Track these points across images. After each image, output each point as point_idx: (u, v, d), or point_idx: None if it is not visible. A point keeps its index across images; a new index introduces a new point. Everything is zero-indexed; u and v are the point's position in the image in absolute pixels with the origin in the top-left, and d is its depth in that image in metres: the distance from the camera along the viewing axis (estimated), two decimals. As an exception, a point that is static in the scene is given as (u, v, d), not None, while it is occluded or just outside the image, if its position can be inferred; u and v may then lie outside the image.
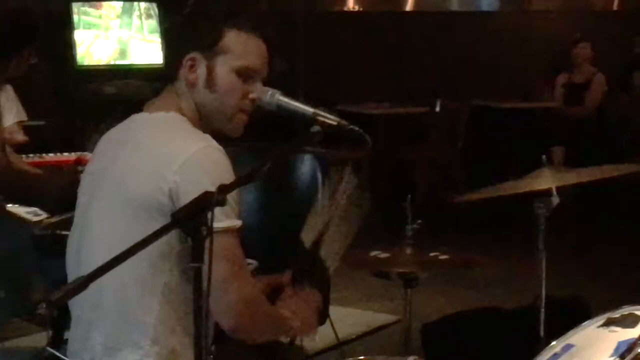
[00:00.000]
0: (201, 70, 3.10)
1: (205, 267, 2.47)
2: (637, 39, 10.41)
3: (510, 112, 10.47)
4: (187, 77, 3.12)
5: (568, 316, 3.48)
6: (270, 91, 3.09)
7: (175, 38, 3.28)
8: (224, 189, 2.56)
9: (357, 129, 3.05)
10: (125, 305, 3.04)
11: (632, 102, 10.26)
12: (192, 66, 3.10)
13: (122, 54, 9.00)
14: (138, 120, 3.18)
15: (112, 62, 8.98)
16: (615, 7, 11.57)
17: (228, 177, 2.87)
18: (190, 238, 2.48)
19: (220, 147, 3.01)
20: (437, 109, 9.81)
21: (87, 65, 8.80)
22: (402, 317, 6.29)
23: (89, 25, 8.86)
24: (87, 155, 6.07)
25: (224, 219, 2.85)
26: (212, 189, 2.49)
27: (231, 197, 2.83)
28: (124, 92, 8.52)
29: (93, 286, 2.48)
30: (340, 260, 3.84)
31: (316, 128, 2.98)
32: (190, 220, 2.48)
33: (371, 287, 6.19)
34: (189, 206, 2.51)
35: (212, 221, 2.48)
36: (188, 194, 2.70)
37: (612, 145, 9.28)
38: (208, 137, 3.05)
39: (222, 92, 3.12)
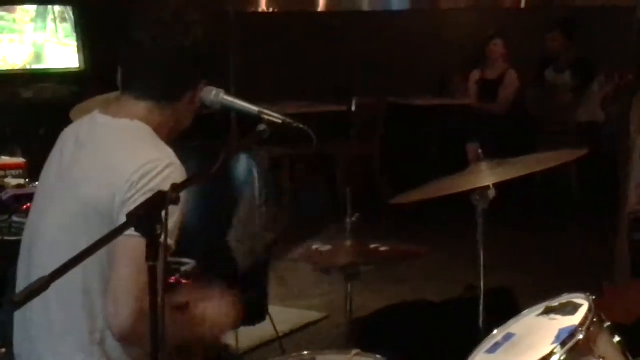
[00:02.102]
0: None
1: (160, 265, 2.48)
2: (549, 35, 10.55)
3: (425, 109, 10.55)
4: (192, 99, 3.13)
5: (497, 306, 3.52)
6: (214, 91, 3.10)
7: (187, 66, 3.16)
8: (176, 188, 2.56)
9: (302, 126, 3.07)
10: (71, 312, 3.03)
11: (545, 98, 10.38)
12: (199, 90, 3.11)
13: (38, 57, 8.91)
14: (100, 123, 3.14)
15: (27, 67, 8.89)
16: (523, 4, 11.69)
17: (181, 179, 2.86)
18: (145, 237, 2.49)
19: (177, 161, 2.99)
20: (353, 107, 9.86)
21: (2, 70, 8.71)
22: (329, 314, 6.46)
23: (2, 29, 8.77)
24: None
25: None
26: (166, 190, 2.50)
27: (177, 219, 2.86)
28: (40, 96, 8.46)
29: (46, 294, 2.47)
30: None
31: (262, 126, 2.99)
32: (144, 219, 2.49)
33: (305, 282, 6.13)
34: (143, 206, 2.52)
35: (166, 219, 2.49)
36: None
37: (526, 140, 9.40)
38: (167, 150, 3.03)
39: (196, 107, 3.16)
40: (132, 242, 2.57)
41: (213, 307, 3.21)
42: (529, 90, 10.61)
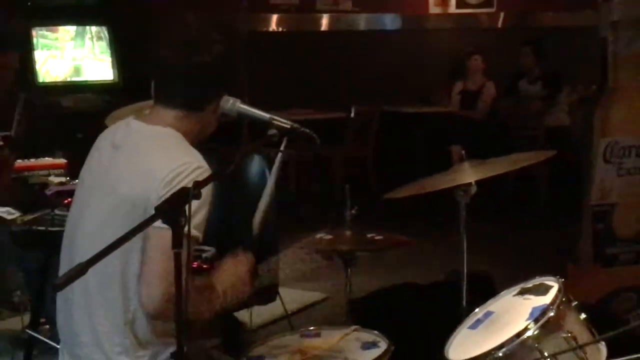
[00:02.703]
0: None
1: (184, 254, 2.48)
2: (524, 49, 10.56)
3: (415, 115, 10.55)
4: (214, 109, 3.13)
5: (477, 289, 3.52)
6: (231, 100, 3.10)
7: (210, 80, 3.15)
8: (198, 185, 2.57)
9: (307, 130, 3.08)
10: (107, 292, 3.02)
11: (518, 106, 10.41)
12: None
13: (77, 71, 8.93)
14: (135, 129, 3.13)
15: (67, 79, 8.90)
16: (499, 24, 11.67)
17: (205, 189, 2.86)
18: (170, 227, 2.49)
19: (204, 164, 2.98)
20: (352, 114, 9.87)
21: (46, 82, 8.72)
22: (330, 295, 6.47)
23: (46, 47, 8.80)
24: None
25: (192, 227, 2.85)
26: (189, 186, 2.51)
27: (202, 213, 2.86)
28: (79, 105, 8.48)
29: (85, 277, 2.47)
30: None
31: (273, 131, 3.00)
32: (170, 211, 2.50)
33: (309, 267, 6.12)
34: (169, 200, 2.52)
35: (189, 212, 2.49)
36: None
37: (502, 143, 9.39)
38: (196, 153, 3.02)
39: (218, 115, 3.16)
40: (163, 233, 2.56)
41: (229, 269, 3.19)
42: (504, 99, 10.63)
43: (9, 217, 5.39)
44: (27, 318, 5.32)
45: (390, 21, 11.32)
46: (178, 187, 2.70)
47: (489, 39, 11.22)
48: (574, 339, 2.84)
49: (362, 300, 4.67)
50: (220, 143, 3.40)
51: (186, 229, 2.49)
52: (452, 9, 11.48)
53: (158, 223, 2.53)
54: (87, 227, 3.05)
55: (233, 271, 3.21)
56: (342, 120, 9.84)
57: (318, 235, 3.99)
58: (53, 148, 6.63)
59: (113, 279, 2.96)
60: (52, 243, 3.48)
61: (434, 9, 11.43)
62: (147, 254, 2.86)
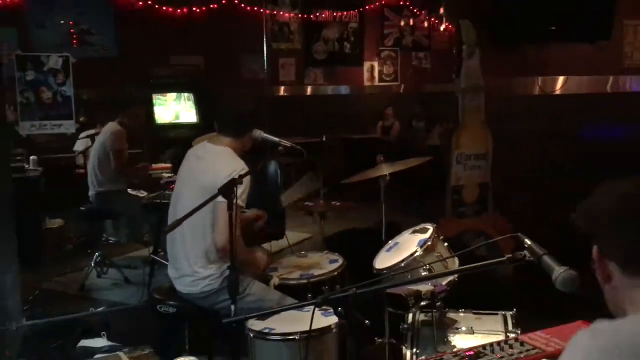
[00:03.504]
0: None
1: (234, 214, 2.47)
2: (415, 104, 10.56)
3: (359, 139, 10.38)
4: (250, 136, 3.09)
5: (391, 232, 3.47)
6: (258, 131, 3.09)
7: (247, 120, 3.14)
8: (241, 177, 2.57)
9: (299, 147, 3.08)
10: (192, 235, 2.99)
11: (414, 135, 10.41)
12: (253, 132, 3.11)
13: (176, 117, 8.85)
14: (207, 147, 3.12)
15: (171, 121, 8.83)
16: (401, 90, 11.64)
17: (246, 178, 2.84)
18: (226, 200, 2.48)
19: (246, 166, 2.95)
20: (324, 139, 9.80)
21: (160, 122, 8.67)
22: (312, 235, 6.45)
23: (160, 104, 8.74)
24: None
25: (238, 199, 2.84)
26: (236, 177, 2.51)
27: (245, 191, 2.82)
28: (178, 135, 8.42)
29: (181, 226, 2.47)
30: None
31: (280, 148, 3.00)
32: (226, 190, 2.50)
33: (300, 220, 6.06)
34: (226, 184, 2.52)
35: (237, 192, 2.49)
36: None
37: (404, 153, 9.36)
38: (241, 161, 3.00)
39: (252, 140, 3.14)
40: (224, 205, 2.56)
41: (259, 258, 3.18)
42: (405, 131, 10.62)
43: (141, 195, 5.39)
44: (150, 249, 5.32)
45: (343, 89, 11.27)
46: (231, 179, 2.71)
47: (396, 98, 11.21)
48: (441, 256, 2.84)
49: (330, 237, 4.67)
50: (254, 155, 3.39)
51: (235, 201, 2.51)
52: (376, 82, 11.44)
53: (220, 198, 2.52)
54: (183, 201, 3.04)
55: (261, 257, 3.20)
56: (319, 143, 9.79)
57: (305, 203, 3.99)
58: (164, 158, 6.63)
59: (197, 227, 2.96)
60: (164, 209, 3.48)
61: (367, 82, 11.39)
62: (216, 216, 2.86)
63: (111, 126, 5.37)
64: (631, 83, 6.58)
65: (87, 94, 8.32)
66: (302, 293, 3.08)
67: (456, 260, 2.87)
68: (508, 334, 2.62)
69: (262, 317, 2.68)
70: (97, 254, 5.49)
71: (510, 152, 5.83)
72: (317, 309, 2.64)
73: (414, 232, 3.06)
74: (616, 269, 1.29)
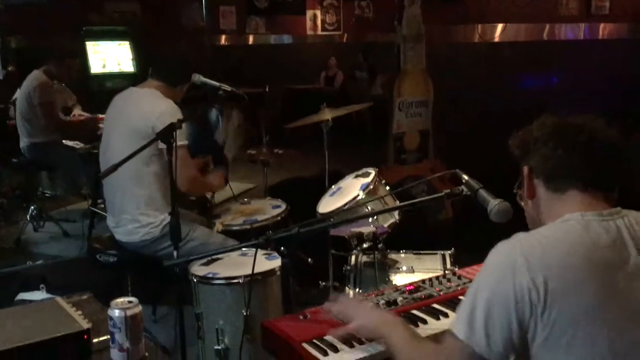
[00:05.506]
0: None
1: (174, 159, 2.42)
2: (358, 54, 10.53)
3: (302, 90, 10.32)
4: (183, 88, 3.03)
5: (334, 177, 3.47)
6: (197, 75, 3.01)
7: (185, 70, 3.03)
8: (180, 121, 2.50)
9: (240, 92, 3.02)
10: (130, 181, 2.93)
11: (357, 85, 10.42)
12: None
13: (113, 66, 8.38)
14: (134, 90, 3.04)
15: (107, 71, 8.37)
16: (344, 40, 11.57)
17: (179, 117, 2.77)
18: (166, 145, 2.42)
19: (175, 105, 2.90)
20: (267, 89, 9.70)
21: (95, 73, 8.23)
22: (257, 185, 6.41)
23: (96, 52, 8.31)
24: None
25: (179, 140, 2.78)
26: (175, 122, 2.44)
27: (184, 129, 2.77)
28: (115, 86, 8.03)
29: (118, 173, 2.41)
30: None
31: (221, 92, 2.93)
32: (166, 136, 2.43)
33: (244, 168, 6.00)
34: (165, 129, 2.45)
35: (176, 136, 2.43)
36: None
37: (347, 101, 9.38)
38: (169, 100, 2.93)
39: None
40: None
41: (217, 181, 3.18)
42: (348, 82, 10.62)
43: (77, 146, 5.21)
44: (89, 202, 5.19)
45: (286, 38, 11.13)
46: (165, 120, 2.60)
47: (339, 48, 11.15)
48: (383, 198, 2.86)
49: (274, 186, 4.66)
50: (193, 101, 3.31)
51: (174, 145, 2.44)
52: (319, 31, 11.32)
53: (160, 144, 2.46)
54: (113, 147, 2.96)
55: (217, 179, 3.19)
56: (261, 94, 9.68)
57: (248, 151, 3.96)
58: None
59: (134, 174, 2.89)
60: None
61: (309, 32, 11.26)
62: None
63: (35, 75, 5.02)
64: (566, 31, 6.72)
65: (15, 42, 7.90)
66: (246, 239, 3.06)
67: (397, 202, 2.89)
68: (447, 271, 2.70)
69: (206, 262, 2.67)
70: (32, 207, 5.32)
71: (451, 99, 5.91)
72: (260, 253, 2.67)
73: (357, 176, 3.06)
74: (541, 185, 1.46)
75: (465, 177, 1.76)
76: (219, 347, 2.49)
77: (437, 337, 1.69)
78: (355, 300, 1.73)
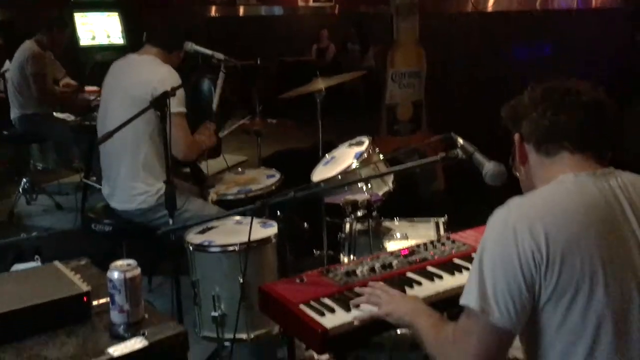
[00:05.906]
0: None
1: (168, 127, 2.43)
2: (351, 29, 10.45)
3: (295, 61, 10.26)
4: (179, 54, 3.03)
5: (329, 148, 3.42)
6: (190, 43, 3.00)
7: (180, 34, 3.04)
8: (174, 89, 2.50)
9: (233, 60, 3.01)
10: (127, 148, 2.93)
11: (349, 57, 10.36)
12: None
13: (102, 38, 8.37)
14: (132, 57, 3.02)
15: (97, 43, 8.36)
16: (336, 11, 11.48)
17: (178, 82, 2.77)
18: (160, 113, 2.43)
19: (174, 71, 2.89)
20: (259, 61, 9.60)
21: (84, 45, 8.21)
22: (249, 158, 6.40)
23: (84, 23, 8.23)
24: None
25: (177, 107, 2.78)
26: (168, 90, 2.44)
27: (181, 96, 2.77)
28: (104, 59, 7.98)
29: (114, 141, 2.41)
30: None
31: (214, 60, 2.93)
32: (160, 103, 2.43)
33: (237, 140, 5.95)
34: (159, 97, 2.45)
35: (169, 104, 2.43)
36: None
37: (339, 71, 9.34)
38: (169, 65, 2.92)
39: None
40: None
41: (204, 131, 3.15)
42: (340, 54, 10.55)
43: (69, 119, 5.18)
44: (82, 174, 5.18)
45: (277, 10, 11.03)
46: (163, 86, 2.61)
47: (331, 20, 11.06)
48: (377, 166, 2.88)
49: (268, 157, 4.66)
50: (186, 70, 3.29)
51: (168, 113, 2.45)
52: (311, 3, 11.24)
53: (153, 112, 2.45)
54: (112, 114, 2.95)
55: (207, 132, 3.16)
56: (253, 66, 9.60)
57: (241, 121, 3.95)
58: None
59: (131, 141, 2.89)
60: (95, 133, 3.37)
61: (301, 3, 11.17)
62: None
63: (28, 46, 5.02)
64: (559, 0, 6.70)
65: (1, 14, 7.78)
66: (241, 208, 3.08)
67: (389, 172, 2.89)
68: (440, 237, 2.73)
69: (202, 230, 2.69)
70: (24, 180, 5.30)
71: (443, 70, 5.89)
72: (256, 221, 2.69)
73: (350, 145, 3.06)
74: (532, 150, 1.47)
75: (460, 140, 1.77)
76: (216, 314, 2.52)
77: (431, 299, 1.73)
78: (386, 286, 1.74)
